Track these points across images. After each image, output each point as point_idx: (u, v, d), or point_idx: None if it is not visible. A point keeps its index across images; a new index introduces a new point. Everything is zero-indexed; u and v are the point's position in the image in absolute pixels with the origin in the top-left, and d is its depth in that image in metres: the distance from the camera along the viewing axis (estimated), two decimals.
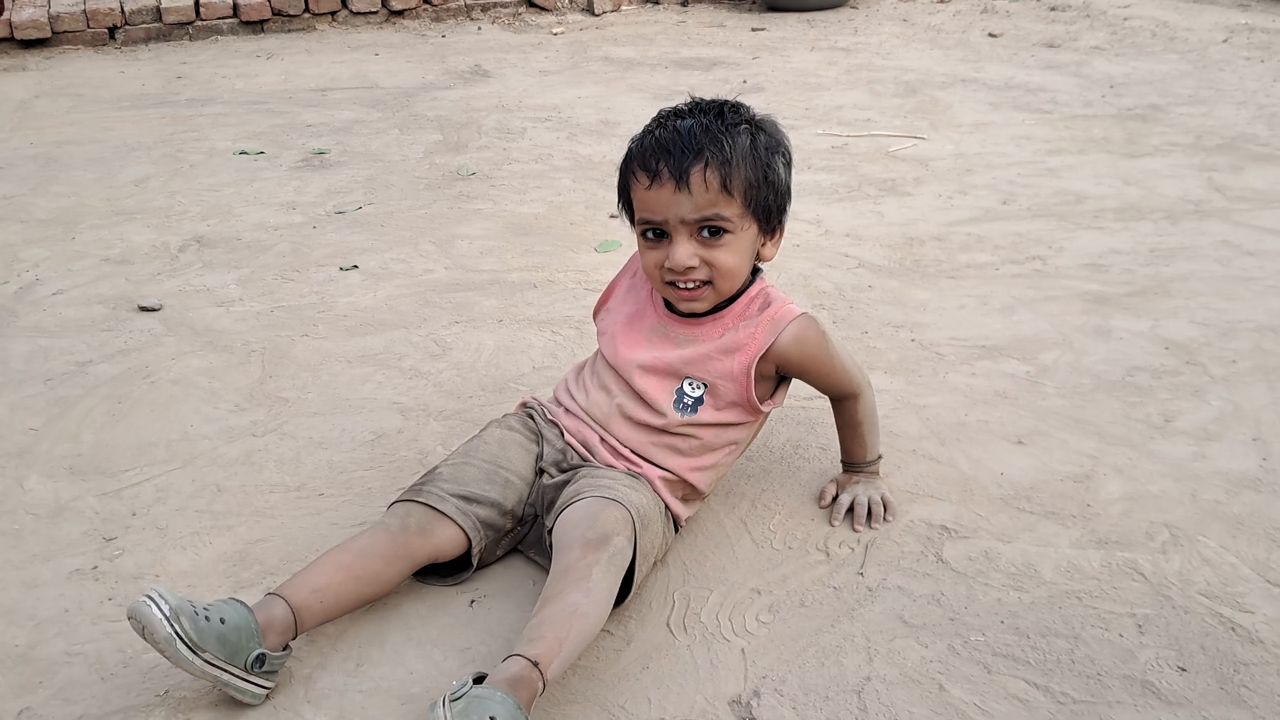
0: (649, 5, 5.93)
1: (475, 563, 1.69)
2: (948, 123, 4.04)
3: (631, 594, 1.61)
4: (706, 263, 1.65)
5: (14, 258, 3.01)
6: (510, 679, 1.34)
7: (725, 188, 1.60)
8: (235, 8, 5.45)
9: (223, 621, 1.43)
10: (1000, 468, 1.98)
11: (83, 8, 5.30)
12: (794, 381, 1.84)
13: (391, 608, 1.67)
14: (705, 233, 1.64)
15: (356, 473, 2.01)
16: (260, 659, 1.47)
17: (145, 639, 1.40)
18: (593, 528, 1.55)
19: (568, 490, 1.69)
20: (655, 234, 1.67)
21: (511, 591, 1.70)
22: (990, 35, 5.28)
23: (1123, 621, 1.62)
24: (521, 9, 5.76)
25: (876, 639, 1.59)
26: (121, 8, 5.33)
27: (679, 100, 1.75)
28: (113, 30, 5.33)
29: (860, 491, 1.87)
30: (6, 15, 5.10)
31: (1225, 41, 5.21)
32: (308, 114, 4.24)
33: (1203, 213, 3.19)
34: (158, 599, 1.39)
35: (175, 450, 2.11)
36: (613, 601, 1.52)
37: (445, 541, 1.65)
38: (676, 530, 1.78)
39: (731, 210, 1.62)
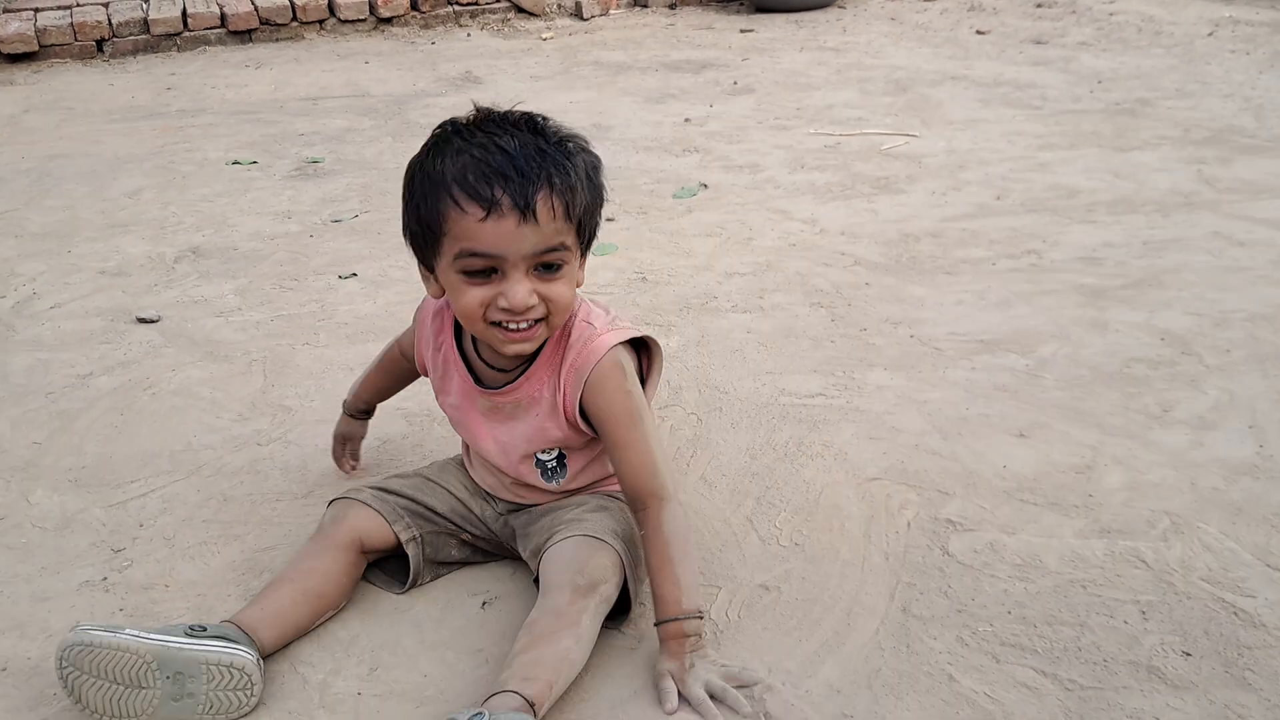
0: (637, 9, 5.95)
1: (417, 554, 1.70)
2: (939, 120, 4.06)
3: (630, 614, 1.63)
4: (543, 298, 1.46)
5: (10, 272, 3.01)
6: (511, 713, 1.36)
7: (568, 215, 1.42)
8: (223, 18, 5.45)
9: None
10: (1002, 460, 2.00)
11: (70, 21, 5.30)
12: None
13: (403, 611, 1.68)
14: (541, 268, 1.44)
15: (362, 478, 2.02)
16: (196, 627, 1.50)
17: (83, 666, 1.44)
18: (582, 573, 1.54)
19: (544, 522, 1.68)
20: (482, 272, 1.44)
21: (521, 594, 1.71)
22: (978, 32, 5.30)
23: (1127, 609, 1.64)
24: (510, 15, 5.78)
25: (885, 631, 1.60)
26: (109, 20, 5.33)
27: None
28: (100, 43, 5.33)
29: (693, 683, 1.46)
30: None
31: (1210, 35, 5.24)
32: (299, 123, 4.25)
33: (1193, 205, 3.21)
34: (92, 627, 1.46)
35: (179, 461, 2.12)
36: (593, 643, 1.51)
37: (361, 524, 1.69)
38: None
39: (570, 239, 1.45)
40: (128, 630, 1.46)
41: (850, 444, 2.07)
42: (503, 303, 1.44)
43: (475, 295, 1.44)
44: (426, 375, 1.77)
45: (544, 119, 1.46)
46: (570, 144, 1.45)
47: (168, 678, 1.45)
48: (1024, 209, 3.21)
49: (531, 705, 1.38)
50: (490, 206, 1.37)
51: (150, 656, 1.45)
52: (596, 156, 1.51)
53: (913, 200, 3.31)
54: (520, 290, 1.43)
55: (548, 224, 1.40)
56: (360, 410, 2.02)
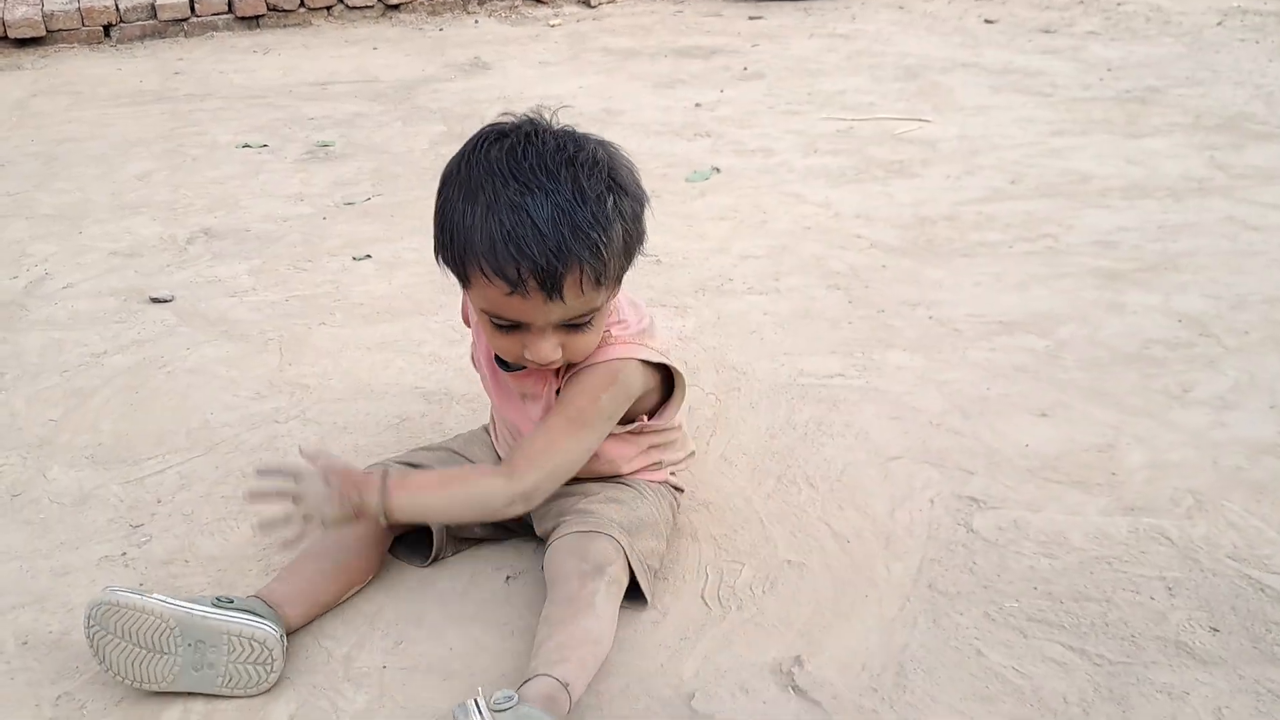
0: None
1: (442, 531, 1.69)
2: (951, 106, 4.05)
3: (649, 603, 1.61)
4: (567, 348, 1.46)
5: (22, 253, 3.00)
6: (545, 696, 1.35)
7: (599, 283, 1.38)
8: (230, 3, 5.43)
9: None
10: (1025, 439, 1.99)
11: (77, 6, 5.28)
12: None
13: (428, 584, 1.68)
14: (568, 326, 1.43)
15: (382, 455, 2.00)
16: (223, 599, 1.49)
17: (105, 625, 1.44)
18: (585, 559, 1.54)
19: (556, 505, 1.66)
20: (508, 325, 1.43)
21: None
22: (986, 21, 5.29)
23: (1153, 585, 1.63)
24: (518, 2, 5.76)
25: (912, 607, 1.60)
26: (116, 5, 5.31)
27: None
28: (108, 28, 5.31)
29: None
30: None
31: (1219, 24, 5.23)
32: (309, 107, 4.24)
33: (1206, 190, 3.20)
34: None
35: (197, 438, 2.11)
36: (615, 626, 1.50)
37: None
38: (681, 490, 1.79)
39: (601, 299, 1.42)
40: (156, 595, 1.46)
41: (871, 423, 2.06)
42: (528, 355, 1.44)
43: (500, 343, 1.47)
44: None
45: (588, 152, 1.39)
46: (612, 200, 1.37)
47: (189, 645, 1.45)
48: (1038, 193, 3.20)
49: (565, 686, 1.37)
50: (516, 286, 1.34)
51: (174, 622, 1.45)
52: (639, 197, 1.44)
53: (927, 184, 3.30)
54: (545, 347, 1.43)
55: (575, 300, 1.37)
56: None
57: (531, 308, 1.37)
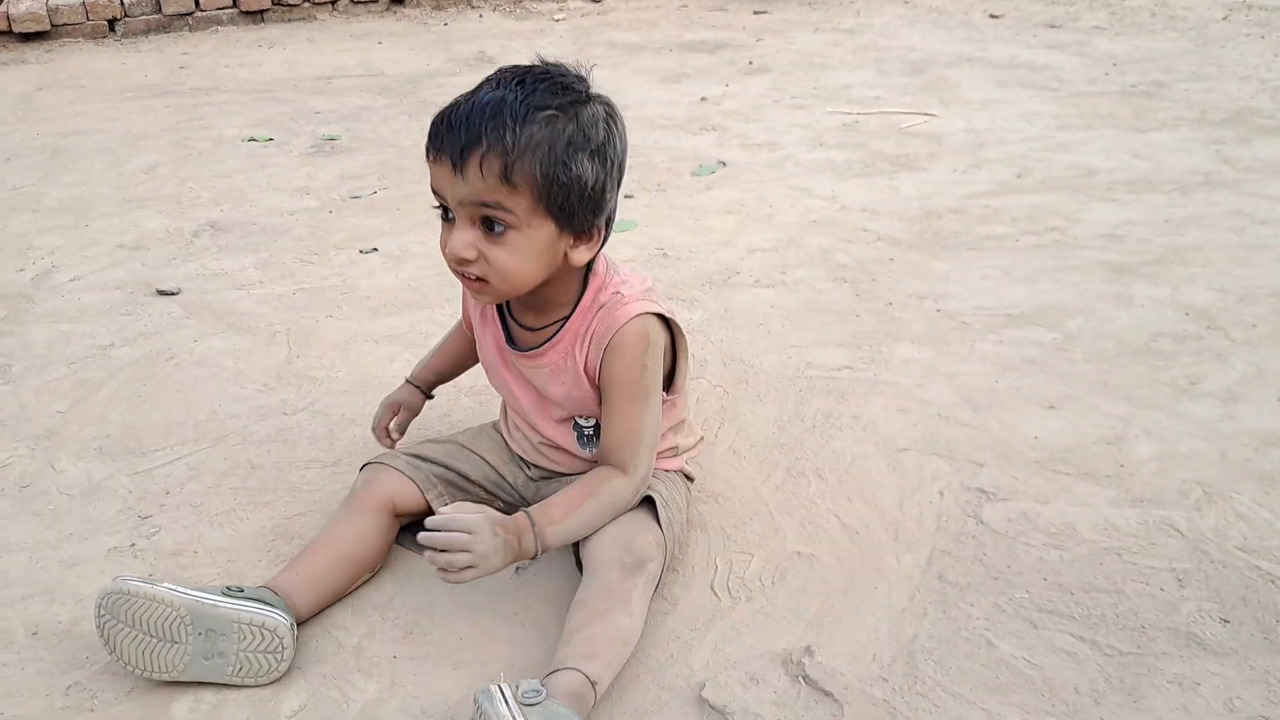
0: None
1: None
2: (957, 100, 4.05)
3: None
4: (484, 258, 1.44)
5: (28, 246, 3.00)
6: (572, 693, 1.35)
7: (506, 179, 1.38)
8: None
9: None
10: (1033, 432, 1.99)
11: (83, 0, 5.28)
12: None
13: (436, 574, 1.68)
14: (485, 224, 1.43)
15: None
16: (233, 588, 1.50)
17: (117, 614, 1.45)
18: (628, 551, 1.54)
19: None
20: (446, 213, 1.46)
21: (553, 559, 1.70)
22: (992, 16, 5.28)
23: (1163, 576, 1.63)
24: None
25: (922, 598, 1.60)
26: (122, 0, 5.31)
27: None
28: (112, 22, 5.31)
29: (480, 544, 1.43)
30: (4, 8, 5.07)
31: (1225, 19, 5.22)
32: (315, 101, 4.24)
33: (1213, 184, 3.20)
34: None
35: (204, 430, 2.11)
36: (645, 619, 1.51)
37: (392, 487, 1.68)
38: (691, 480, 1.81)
39: (516, 204, 1.40)
40: (165, 584, 1.46)
41: (879, 416, 2.06)
42: (446, 250, 1.45)
43: (442, 238, 1.48)
44: (472, 333, 1.75)
45: (563, 82, 1.43)
46: (547, 113, 1.39)
47: (200, 634, 1.45)
48: (1045, 187, 3.19)
49: (593, 684, 1.37)
50: (435, 151, 1.42)
51: (184, 610, 1.45)
52: (586, 137, 1.42)
53: (934, 178, 3.29)
54: (456, 239, 1.43)
55: (477, 181, 1.38)
56: (426, 381, 1.93)
57: (444, 177, 1.41)
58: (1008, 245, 2.80)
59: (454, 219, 1.44)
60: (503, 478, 1.76)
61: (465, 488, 1.72)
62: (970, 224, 2.94)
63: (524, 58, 4.45)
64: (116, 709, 1.47)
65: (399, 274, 2.75)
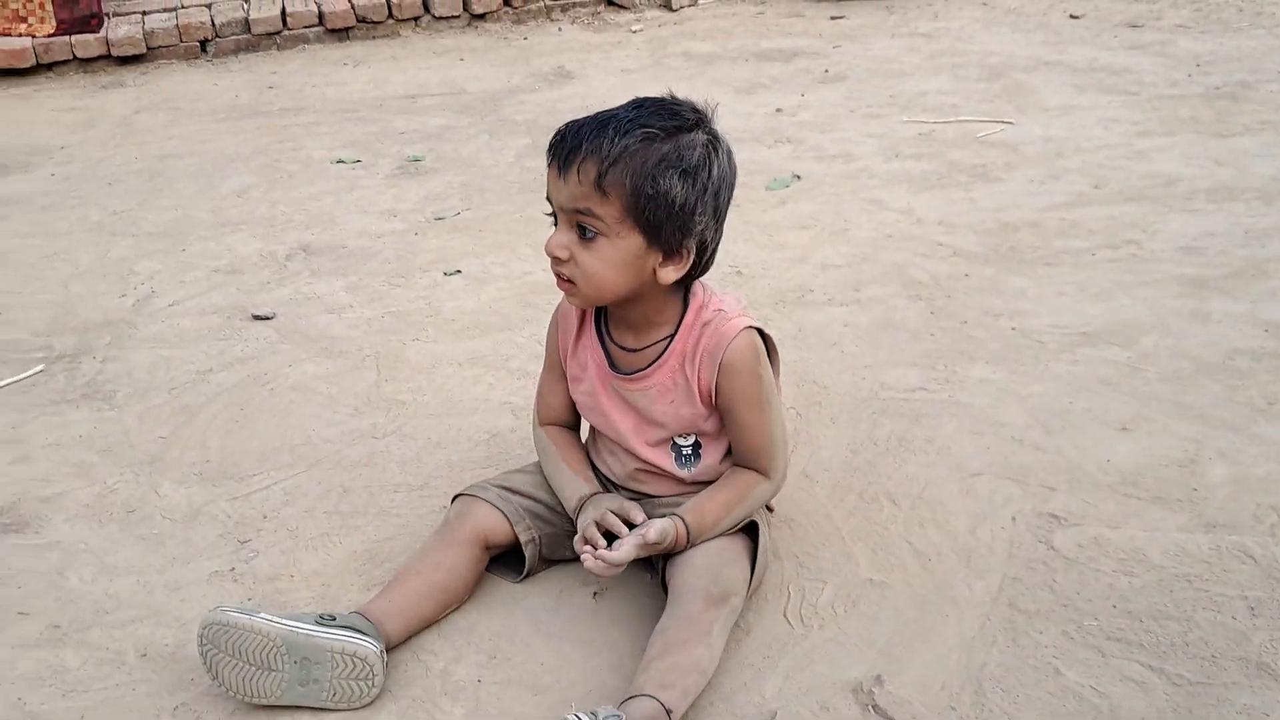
0: None
1: (535, 554, 1.77)
2: (1034, 106, 4.02)
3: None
4: (574, 260, 1.57)
5: (129, 271, 3.14)
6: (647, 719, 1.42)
7: (599, 186, 1.51)
8: (320, 16, 5.58)
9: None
10: (1106, 454, 2.00)
11: (175, 22, 5.47)
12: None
13: (518, 600, 1.75)
14: (579, 229, 1.56)
15: (475, 471, 2.09)
16: (326, 616, 1.59)
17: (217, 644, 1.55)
18: (716, 582, 1.60)
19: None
20: (554, 217, 1.61)
21: (630, 585, 1.76)
22: (1072, 17, 5.22)
23: (1235, 604, 1.64)
24: (600, 8, 5.82)
25: (991, 626, 1.63)
26: (212, 21, 5.49)
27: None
28: (204, 43, 5.49)
29: (629, 549, 1.57)
30: (103, 33, 5.27)
31: None
32: (399, 121, 4.35)
33: None
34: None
35: (299, 454, 2.21)
36: (722, 652, 1.57)
37: (485, 521, 1.75)
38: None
39: (606, 211, 1.52)
40: (262, 614, 1.55)
41: (953, 439, 2.09)
42: (546, 247, 1.59)
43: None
44: (565, 369, 1.81)
45: (675, 109, 1.58)
46: (646, 131, 1.52)
47: (295, 662, 1.54)
48: (1122, 198, 3.17)
49: (668, 712, 1.43)
50: (549, 157, 1.57)
51: (280, 640, 1.53)
52: (680, 156, 1.53)
53: (1010, 189, 3.29)
54: (554, 238, 1.58)
55: (575, 185, 1.53)
56: (590, 476, 1.81)
57: (551, 183, 1.57)
58: (1084, 260, 2.79)
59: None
60: None
61: (551, 521, 1.78)
62: (1047, 237, 2.93)
63: (602, 71, 4.51)
64: None
65: (481, 296, 2.83)
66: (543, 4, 5.81)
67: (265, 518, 2.02)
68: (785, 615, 1.68)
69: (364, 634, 1.56)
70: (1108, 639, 1.59)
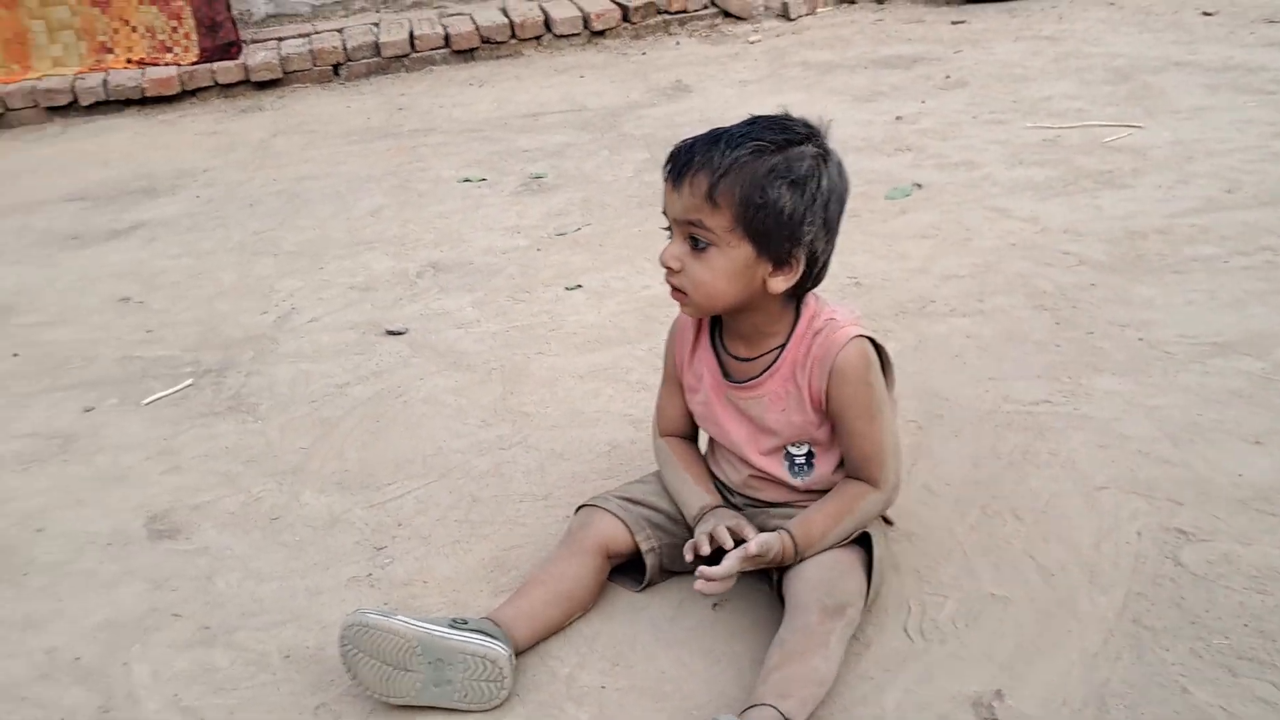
0: (844, 5, 5.94)
1: (655, 563, 1.81)
2: (1164, 109, 3.91)
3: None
4: (686, 271, 1.63)
5: (270, 289, 3.29)
6: None
7: (710, 197, 1.57)
8: (446, 38, 5.74)
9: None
10: (1237, 469, 1.96)
11: (309, 48, 5.69)
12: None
13: (639, 609, 1.80)
14: (691, 241, 1.61)
15: (596, 482, 2.14)
16: (459, 620, 1.65)
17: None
18: (831, 594, 1.62)
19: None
20: (670, 230, 1.66)
21: (750, 596, 1.79)
22: (1204, 14, 5.06)
23: None
24: (718, 20, 5.87)
25: (1116, 642, 1.61)
26: (344, 45, 5.70)
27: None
28: (336, 67, 5.70)
29: (734, 562, 1.61)
30: (242, 59, 5.52)
31: None
32: (522, 139, 4.46)
33: None
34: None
35: (431, 464, 2.30)
36: (841, 663, 1.59)
37: (607, 531, 1.80)
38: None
39: (717, 222, 1.58)
40: (399, 616, 1.63)
41: (1078, 452, 2.06)
42: (660, 258, 1.65)
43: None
44: (681, 380, 1.86)
45: (786, 124, 1.62)
46: (756, 144, 1.57)
47: (429, 663, 1.61)
48: (1257, 203, 3.07)
49: None
50: (665, 172, 1.64)
51: (415, 642, 1.61)
52: (789, 168, 1.57)
53: (1138, 195, 3.21)
54: (667, 250, 1.64)
55: (687, 197, 1.59)
56: (712, 489, 1.85)
57: (667, 195, 1.63)
58: (1215, 267, 2.72)
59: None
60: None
61: (671, 531, 1.82)
62: (1176, 244, 2.86)
63: (720, 84, 4.55)
64: None
65: (601, 310, 2.89)
66: (660, 19, 5.88)
67: (399, 525, 2.11)
68: (905, 630, 1.69)
69: (494, 638, 1.63)
70: (1239, 658, 1.56)
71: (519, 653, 1.69)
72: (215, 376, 2.77)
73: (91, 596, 2.00)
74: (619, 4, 5.86)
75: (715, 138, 1.60)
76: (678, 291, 1.65)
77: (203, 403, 2.65)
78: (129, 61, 5.41)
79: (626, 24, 5.86)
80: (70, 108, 5.28)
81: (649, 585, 1.83)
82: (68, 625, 1.93)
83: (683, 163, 1.60)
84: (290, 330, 3.01)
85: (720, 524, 1.68)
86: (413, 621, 1.62)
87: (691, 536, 1.78)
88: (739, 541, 1.65)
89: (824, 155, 1.61)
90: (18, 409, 2.70)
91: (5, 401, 2.74)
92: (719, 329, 1.79)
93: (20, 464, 2.46)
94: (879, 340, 1.72)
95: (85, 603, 1.99)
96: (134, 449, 2.47)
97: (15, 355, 2.98)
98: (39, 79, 5.30)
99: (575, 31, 5.81)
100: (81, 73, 5.35)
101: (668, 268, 1.64)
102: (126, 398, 2.71)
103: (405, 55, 5.75)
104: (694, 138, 1.63)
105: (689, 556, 1.68)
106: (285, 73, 5.61)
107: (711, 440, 1.89)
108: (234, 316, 3.11)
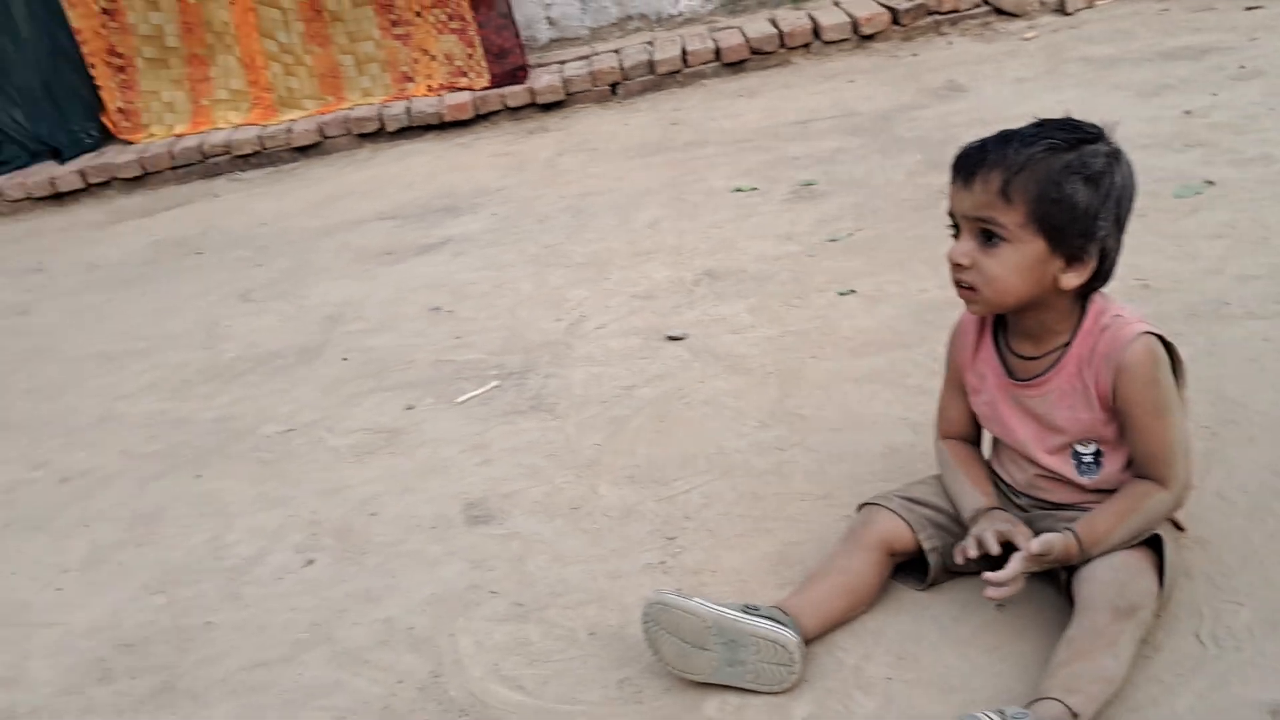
0: None
1: (937, 563, 1.85)
2: None
3: None
4: (976, 266, 1.66)
5: (562, 298, 3.52)
6: None
7: (1004, 193, 1.61)
8: (717, 52, 5.91)
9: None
10: None
11: (589, 69, 5.99)
12: None
13: (924, 607, 1.86)
14: (982, 236, 1.65)
15: (874, 483, 2.20)
16: (750, 606, 1.76)
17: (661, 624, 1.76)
18: (1122, 595, 1.63)
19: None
20: (954, 228, 1.71)
21: (1035, 597, 1.80)
22: None
23: None
24: (990, 18, 5.76)
25: None
26: (620, 65, 5.96)
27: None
28: (614, 86, 5.97)
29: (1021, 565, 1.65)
30: (528, 83, 5.87)
31: None
32: (792, 147, 4.55)
33: None
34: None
35: (714, 462, 2.43)
36: (1131, 664, 1.60)
37: (889, 529, 1.86)
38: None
39: (1009, 218, 1.62)
40: (697, 599, 1.76)
41: None
42: (948, 255, 1.70)
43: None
44: (964, 382, 1.91)
45: (1076, 124, 1.66)
46: (1048, 142, 1.61)
47: (724, 644, 1.73)
48: None
49: (1075, 715, 1.49)
50: (953, 172, 1.69)
51: (711, 622, 1.73)
52: (1084, 164, 1.61)
53: None
54: (957, 246, 1.69)
55: (979, 193, 1.63)
56: (990, 493, 1.87)
57: (956, 194, 1.67)
58: None
59: (958, 235, 1.70)
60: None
61: (953, 531, 1.87)
62: None
63: (994, 83, 4.49)
64: (659, 702, 1.79)
65: (876, 315, 2.95)
66: (931, 19, 5.83)
67: (688, 518, 2.25)
68: (1198, 636, 1.68)
69: (784, 625, 1.73)
70: None
71: (806, 641, 1.79)
72: (518, 378, 3.01)
73: (420, 573, 2.25)
74: (887, 7, 5.85)
75: (1006, 137, 1.65)
76: (966, 289, 1.70)
77: (507, 402, 2.89)
78: (429, 89, 5.86)
79: (896, 26, 5.85)
80: (378, 134, 5.77)
81: (932, 584, 1.89)
82: (401, 598, 2.19)
83: (974, 161, 1.65)
84: (581, 336, 3.22)
85: (990, 529, 1.72)
86: (709, 604, 1.75)
87: None
88: (1009, 547, 1.68)
89: (1116, 153, 1.65)
90: (350, 407, 3.03)
91: (339, 400, 3.08)
92: (1002, 328, 1.83)
93: (354, 456, 2.77)
94: (1168, 339, 1.71)
95: (415, 579, 2.23)
96: (450, 443, 2.73)
97: (344, 359, 3.34)
98: (350, 109, 5.82)
99: (844, 37, 5.84)
100: (387, 101, 5.84)
101: (957, 264, 1.69)
102: (441, 397, 2.99)
103: (677, 71, 5.95)
104: (983, 138, 1.68)
105: (959, 559, 1.74)
106: (567, 94, 5.93)
107: (996, 441, 1.92)
108: (532, 323, 3.35)
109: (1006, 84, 4.84)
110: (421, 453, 2.72)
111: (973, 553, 1.70)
